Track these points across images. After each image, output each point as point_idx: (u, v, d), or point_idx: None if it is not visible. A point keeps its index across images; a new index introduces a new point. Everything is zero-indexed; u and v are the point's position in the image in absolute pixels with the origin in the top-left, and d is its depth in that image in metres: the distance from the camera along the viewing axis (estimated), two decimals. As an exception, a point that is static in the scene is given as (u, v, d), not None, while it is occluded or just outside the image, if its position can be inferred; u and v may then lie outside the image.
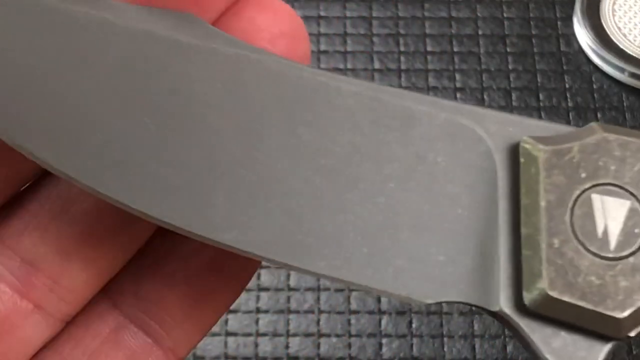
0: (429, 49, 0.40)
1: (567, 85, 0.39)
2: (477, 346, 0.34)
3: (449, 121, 0.17)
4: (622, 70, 0.39)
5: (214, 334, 0.34)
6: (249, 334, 0.35)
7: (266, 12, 0.18)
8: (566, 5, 0.41)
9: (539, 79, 0.39)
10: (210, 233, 0.16)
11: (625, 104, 0.39)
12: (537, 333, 0.16)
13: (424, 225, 0.16)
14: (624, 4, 0.40)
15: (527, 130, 0.17)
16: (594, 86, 0.39)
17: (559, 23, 0.41)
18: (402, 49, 0.40)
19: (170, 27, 0.17)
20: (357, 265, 0.16)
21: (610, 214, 0.16)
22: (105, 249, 0.18)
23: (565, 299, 0.16)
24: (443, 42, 0.40)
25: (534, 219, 0.16)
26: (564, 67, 0.40)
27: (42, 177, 0.18)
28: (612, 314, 0.16)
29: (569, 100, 0.39)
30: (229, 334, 0.35)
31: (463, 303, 0.16)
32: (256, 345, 0.34)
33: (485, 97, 0.39)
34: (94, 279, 0.18)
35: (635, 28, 0.40)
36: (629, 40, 0.39)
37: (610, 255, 0.16)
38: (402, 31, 0.41)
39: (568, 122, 0.38)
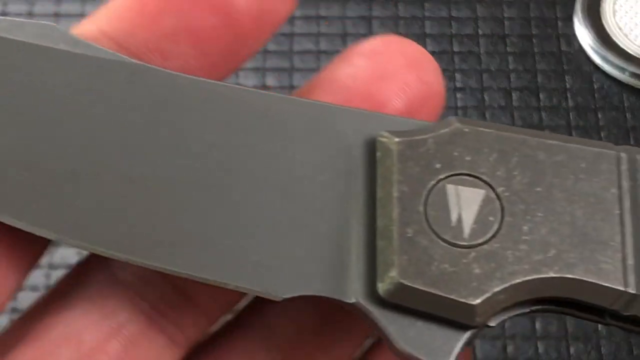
0: (429, 49, 0.40)
1: (567, 85, 0.39)
2: (477, 347, 0.34)
3: (309, 119, 0.17)
4: (622, 70, 0.39)
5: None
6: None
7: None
8: (567, 4, 0.41)
9: (539, 79, 0.39)
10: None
11: (626, 104, 0.39)
12: (393, 323, 0.16)
13: (282, 221, 0.16)
14: (625, 4, 0.40)
15: (387, 125, 0.17)
16: (595, 86, 0.39)
17: (559, 23, 0.41)
18: (402, 49, 0.40)
19: (33, 36, 0.17)
20: (214, 262, 0.16)
21: (464, 203, 0.16)
22: None
23: (418, 286, 0.16)
24: (443, 42, 0.40)
25: (389, 210, 0.16)
26: (565, 67, 0.40)
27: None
28: (465, 301, 0.16)
29: (569, 100, 0.39)
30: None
31: (320, 296, 0.16)
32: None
33: (485, 97, 0.39)
34: None
35: (636, 27, 0.40)
36: (630, 40, 0.39)
37: (464, 243, 0.16)
38: (402, 31, 0.40)
39: (569, 122, 0.38)
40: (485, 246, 0.16)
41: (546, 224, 0.16)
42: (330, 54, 0.40)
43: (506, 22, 0.41)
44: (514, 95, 0.39)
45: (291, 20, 0.41)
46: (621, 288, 0.16)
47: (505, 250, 0.16)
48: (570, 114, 0.39)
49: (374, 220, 0.16)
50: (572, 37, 0.40)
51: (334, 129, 0.17)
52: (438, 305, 0.16)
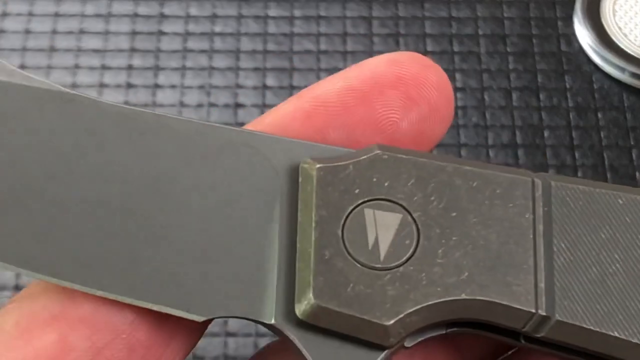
0: (429, 49, 0.40)
1: (567, 85, 0.39)
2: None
3: (236, 146, 0.18)
4: (622, 70, 0.39)
5: (214, 335, 0.34)
6: (249, 335, 0.35)
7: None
8: (566, 4, 0.41)
9: (539, 79, 0.39)
10: None
11: (625, 104, 0.39)
12: (310, 344, 0.16)
13: (206, 245, 0.17)
14: (625, 4, 0.40)
15: (313, 153, 0.18)
16: (595, 86, 0.39)
17: (559, 23, 0.41)
18: (402, 49, 0.40)
19: None
20: (138, 285, 0.17)
21: (381, 226, 0.17)
22: None
23: (333, 307, 0.16)
24: (443, 42, 0.40)
25: (308, 234, 0.17)
26: (565, 67, 0.40)
27: None
28: (378, 322, 0.16)
29: (569, 100, 0.39)
30: (228, 334, 0.35)
31: (240, 317, 0.17)
32: (256, 345, 0.34)
33: (485, 97, 0.39)
34: None
35: (636, 28, 0.40)
36: (630, 40, 0.39)
37: (380, 265, 0.16)
38: (402, 31, 0.41)
39: (569, 122, 0.38)
40: (400, 269, 0.16)
41: (460, 248, 0.17)
42: (330, 54, 0.40)
43: (506, 22, 0.41)
44: (514, 95, 0.39)
45: (291, 20, 0.41)
46: (532, 310, 0.16)
47: (419, 273, 0.16)
48: (570, 114, 0.39)
49: (294, 244, 0.17)
50: (572, 37, 0.40)
51: (260, 155, 0.18)
52: (353, 326, 0.16)
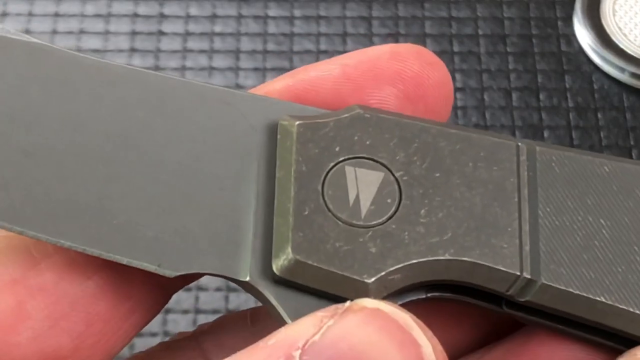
0: (428, 48, 0.40)
1: (567, 85, 0.39)
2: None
3: (214, 102, 0.17)
4: (622, 70, 0.39)
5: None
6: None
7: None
8: (566, 5, 0.41)
9: (539, 79, 0.39)
10: None
11: (625, 104, 0.39)
12: (285, 301, 0.16)
13: (181, 200, 0.16)
14: (625, 4, 0.40)
15: (292, 112, 0.17)
16: (595, 86, 0.39)
17: (559, 23, 0.41)
18: (402, 49, 0.40)
19: None
20: (108, 237, 0.16)
21: (362, 184, 0.16)
22: None
23: (312, 262, 0.16)
24: (443, 42, 0.40)
25: (287, 190, 0.16)
26: (565, 67, 0.40)
27: None
28: (360, 279, 0.16)
29: (569, 100, 0.39)
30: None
31: (213, 275, 0.16)
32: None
33: (485, 97, 0.39)
34: None
35: (635, 28, 0.40)
36: (630, 40, 0.39)
37: (361, 222, 0.16)
38: (402, 31, 0.40)
39: (569, 122, 0.38)
40: (381, 227, 0.16)
41: (443, 208, 0.16)
42: (331, 54, 0.40)
43: (506, 22, 0.41)
44: (514, 95, 0.39)
45: (291, 20, 0.41)
46: (517, 272, 0.16)
47: (401, 232, 0.16)
48: (570, 114, 0.39)
49: (272, 201, 0.16)
50: (572, 37, 0.40)
51: (238, 113, 0.17)
52: (332, 283, 0.16)
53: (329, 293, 0.16)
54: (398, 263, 0.16)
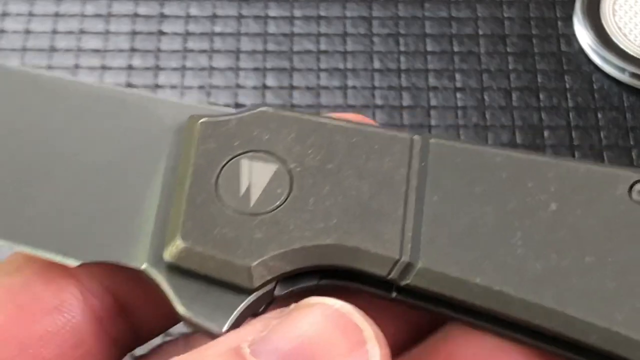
0: (429, 48, 0.40)
1: (567, 85, 0.39)
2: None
3: (131, 108, 0.18)
4: (622, 70, 0.39)
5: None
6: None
7: None
8: (566, 5, 0.41)
9: (539, 79, 0.39)
10: None
11: (625, 104, 0.39)
12: (175, 288, 0.17)
13: (89, 196, 0.18)
14: (625, 4, 0.40)
15: (205, 113, 0.18)
16: (595, 86, 0.39)
17: (559, 23, 0.41)
18: (402, 49, 0.40)
19: None
20: (19, 230, 0.17)
21: (255, 176, 0.17)
22: None
23: (199, 249, 0.16)
24: (443, 42, 0.40)
25: (185, 182, 0.17)
26: (565, 67, 0.40)
27: None
28: (242, 263, 0.16)
29: (569, 100, 0.39)
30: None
31: (112, 263, 0.17)
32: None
33: (485, 97, 0.39)
34: None
35: (635, 28, 0.40)
36: (630, 40, 0.39)
37: (249, 211, 0.17)
38: (402, 31, 0.41)
39: (569, 122, 0.38)
40: (269, 215, 0.17)
41: (331, 198, 0.17)
42: (331, 54, 0.40)
43: (506, 22, 0.41)
44: (514, 95, 0.39)
45: (291, 20, 0.41)
46: (396, 257, 0.17)
47: (288, 219, 0.17)
48: (570, 114, 0.39)
49: (170, 195, 0.17)
50: (572, 37, 0.40)
51: (152, 115, 0.18)
52: (218, 268, 0.16)
53: (217, 279, 0.16)
54: (280, 248, 0.16)
